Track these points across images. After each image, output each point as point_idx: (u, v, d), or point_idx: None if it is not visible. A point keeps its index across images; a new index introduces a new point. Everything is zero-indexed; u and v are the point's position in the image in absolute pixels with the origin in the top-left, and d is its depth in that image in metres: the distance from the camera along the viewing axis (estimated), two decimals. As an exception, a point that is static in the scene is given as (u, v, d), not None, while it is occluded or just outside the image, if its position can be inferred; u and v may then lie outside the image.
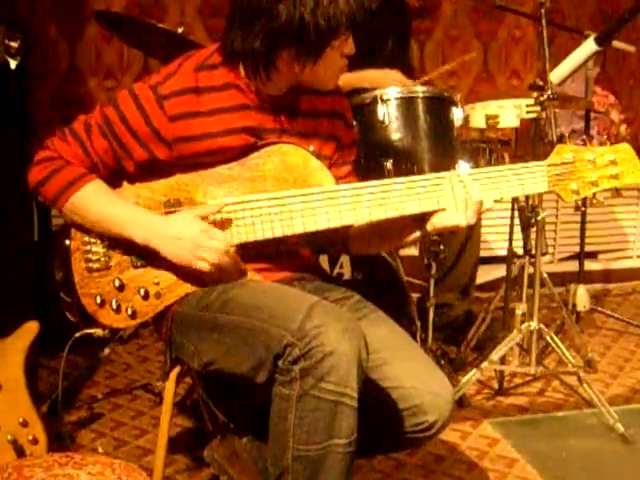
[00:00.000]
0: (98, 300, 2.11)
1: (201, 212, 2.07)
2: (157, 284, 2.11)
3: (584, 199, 2.13)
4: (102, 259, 2.12)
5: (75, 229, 2.13)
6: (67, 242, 2.13)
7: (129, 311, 2.11)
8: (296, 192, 2.06)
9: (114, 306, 2.11)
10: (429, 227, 2.09)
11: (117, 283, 2.11)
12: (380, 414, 2.03)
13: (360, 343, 1.85)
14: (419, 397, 2.00)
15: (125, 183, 2.13)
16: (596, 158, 2.09)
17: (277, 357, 1.85)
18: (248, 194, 2.09)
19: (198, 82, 2.06)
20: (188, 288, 2.11)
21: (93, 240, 2.12)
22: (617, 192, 2.12)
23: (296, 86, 2.13)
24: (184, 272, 2.09)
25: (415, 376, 2.03)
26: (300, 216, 2.05)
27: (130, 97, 2.07)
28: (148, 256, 2.09)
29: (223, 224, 2.07)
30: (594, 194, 2.11)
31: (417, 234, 2.13)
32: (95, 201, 2.07)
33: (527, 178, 2.09)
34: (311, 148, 2.14)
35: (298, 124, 2.17)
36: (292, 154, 2.12)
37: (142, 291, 2.11)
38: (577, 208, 2.23)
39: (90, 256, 2.12)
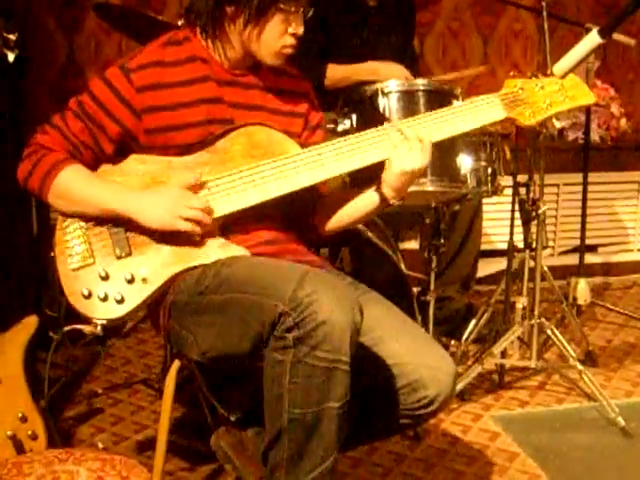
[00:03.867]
0: (85, 292, 2.10)
1: (180, 183, 2.11)
2: (143, 269, 2.11)
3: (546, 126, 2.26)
4: (85, 255, 2.13)
5: (60, 224, 2.15)
6: (52, 254, 2.15)
7: (118, 297, 2.10)
8: (265, 161, 2.12)
9: (101, 295, 2.10)
10: (384, 188, 2.16)
11: (102, 274, 2.11)
12: (380, 394, 2.05)
13: (354, 308, 1.85)
14: (418, 372, 2.01)
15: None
16: (544, 87, 2.22)
17: (273, 326, 1.86)
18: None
19: (164, 56, 2.16)
20: (174, 269, 2.11)
21: (76, 240, 2.14)
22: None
23: (254, 60, 2.18)
24: (168, 254, 2.11)
25: (412, 351, 2.04)
26: (273, 179, 2.11)
27: (100, 79, 2.15)
28: (131, 244, 2.11)
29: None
30: (550, 118, 2.23)
31: (376, 199, 2.20)
32: (75, 182, 2.12)
33: (482, 109, 2.21)
34: (275, 126, 2.19)
35: (263, 99, 2.23)
36: (256, 132, 2.18)
37: (128, 275, 2.11)
38: (538, 135, 2.28)
39: (73, 256, 2.13)
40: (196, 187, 2.10)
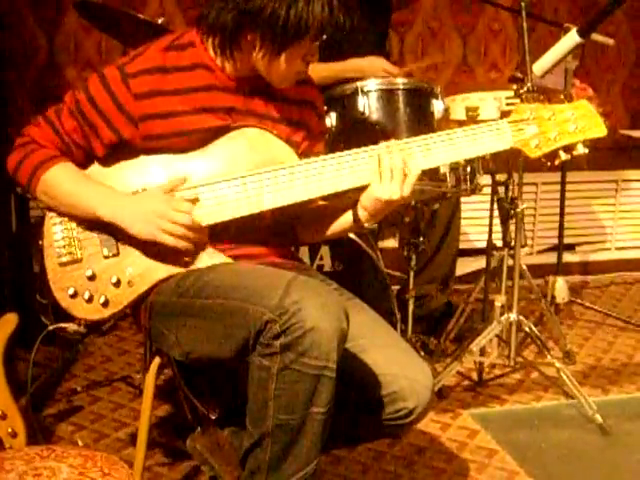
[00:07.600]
0: (71, 292, 2.11)
1: (167, 186, 2.09)
2: (129, 273, 2.12)
3: (552, 157, 2.15)
4: (73, 252, 2.13)
5: (50, 214, 2.15)
6: (40, 242, 2.15)
7: (101, 300, 2.11)
8: (260, 170, 2.08)
9: (86, 297, 2.11)
10: (359, 210, 2.12)
11: (89, 273, 2.11)
12: (359, 402, 2.04)
13: (340, 315, 1.85)
14: (397, 383, 2.02)
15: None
16: (555, 115, 2.11)
17: (259, 333, 1.85)
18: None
19: (165, 61, 2.10)
20: (160, 274, 2.11)
21: (64, 234, 2.14)
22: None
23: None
24: (155, 258, 2.10)
25: (393, 363, 2.05)
26: (267, 192, 2.07)
27: (98, 78, 2.11)
28: (118, 245, 2.11)
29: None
30: (557, 150, 2.13)
31: (351, 219, 2.16)
32: (63, 180, 2.11)
33: (489, 136, 2.11)
34: (274, 132, 2.16)
35: (267, 108, 2.19)
36: (255, 136, 2.15)
37: (114, 279, 2.11)
38: (543, 164, 2.22)
39: (61, 250, 2.13)
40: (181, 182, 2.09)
